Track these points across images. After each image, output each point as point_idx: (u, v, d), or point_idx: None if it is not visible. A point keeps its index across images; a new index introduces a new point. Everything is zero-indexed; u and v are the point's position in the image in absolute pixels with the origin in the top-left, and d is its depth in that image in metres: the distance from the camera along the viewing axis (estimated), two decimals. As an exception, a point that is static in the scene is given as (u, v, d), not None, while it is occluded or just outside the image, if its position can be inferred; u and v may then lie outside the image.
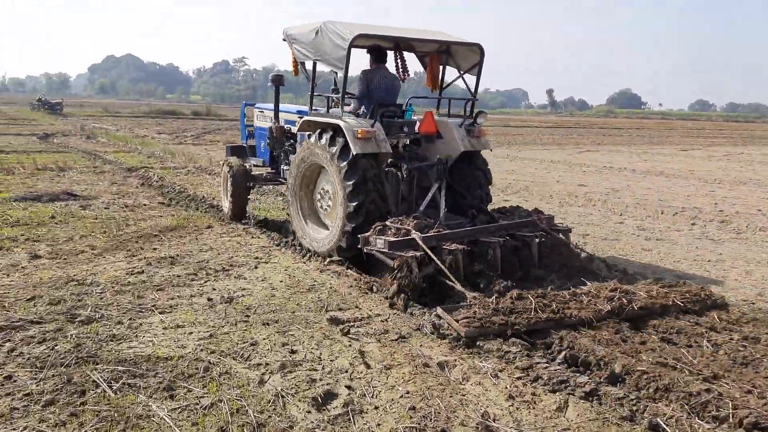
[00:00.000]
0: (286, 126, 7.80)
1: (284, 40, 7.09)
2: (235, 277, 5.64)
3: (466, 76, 7.00)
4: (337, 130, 6.20)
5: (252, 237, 7.26)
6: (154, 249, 6.54)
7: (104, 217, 8.03)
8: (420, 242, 5.23)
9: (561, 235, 6.11)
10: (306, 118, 6.78)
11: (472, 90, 6.84)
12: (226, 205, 8.26)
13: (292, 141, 7.74)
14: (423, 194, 6.61)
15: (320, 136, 6.36)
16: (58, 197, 9.24)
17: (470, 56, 6.83)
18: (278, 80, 7.54)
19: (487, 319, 4.29)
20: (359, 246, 5.65)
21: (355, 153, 5.92)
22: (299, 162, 6.73)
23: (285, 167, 7.69)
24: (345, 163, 5.99)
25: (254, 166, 8.54)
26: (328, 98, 6.96)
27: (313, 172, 6.74)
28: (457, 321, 4.30)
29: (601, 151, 24.58)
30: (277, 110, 7.72)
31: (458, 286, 4.96)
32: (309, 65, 6.78)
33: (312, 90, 6.79)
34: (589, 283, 5.22)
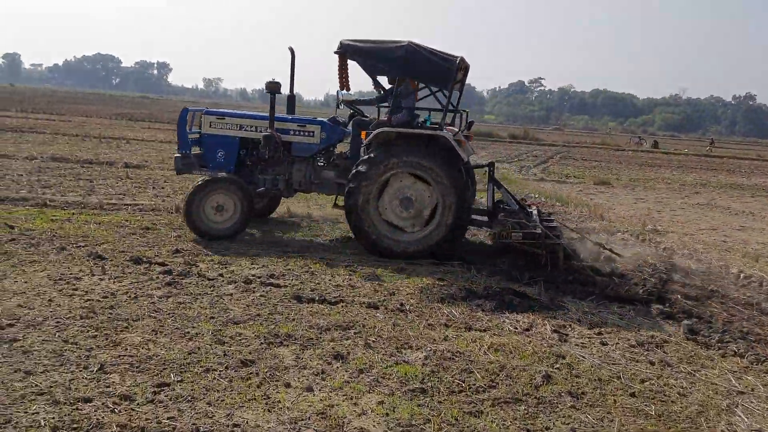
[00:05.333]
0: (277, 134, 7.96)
1: (337, 51, 7.41)
2: None
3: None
4: (429, 139, 7.01)
5: None
6: None
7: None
8: (549, 233, 6.59)
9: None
10: (385, 129, 7.11)
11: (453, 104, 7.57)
12: (236, 223, 7.34)
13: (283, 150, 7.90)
14: None
15: None
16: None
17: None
18: (275, 87, 7.50)
19: None
20: (496, 238, 6.84)
21: (464, 160, 7.08)
22: (378, 173, 6.97)
23: (264, 176, 7.87)
24: (452, 168, 6.89)
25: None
26: (378, 108, 8.03)
27: (386, 181, 7.12)
28: None
29: None
30: (272, 117, 7.76)
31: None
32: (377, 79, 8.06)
33: (382, 101, 7.91)
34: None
